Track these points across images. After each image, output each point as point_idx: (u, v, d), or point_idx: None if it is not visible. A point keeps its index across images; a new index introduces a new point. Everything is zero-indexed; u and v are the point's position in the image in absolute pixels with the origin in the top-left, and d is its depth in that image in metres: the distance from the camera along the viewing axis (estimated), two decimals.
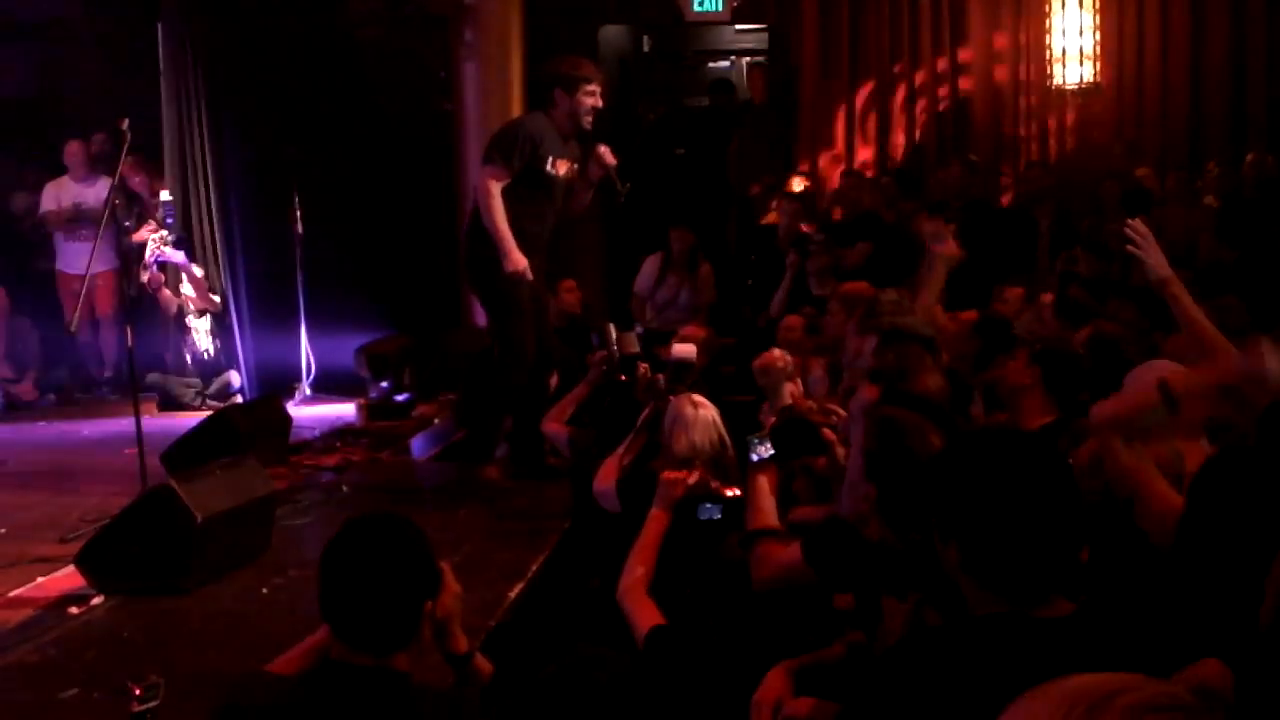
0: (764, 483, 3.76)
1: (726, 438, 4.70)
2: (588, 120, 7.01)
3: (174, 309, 10.67)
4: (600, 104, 7.04)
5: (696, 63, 13.06)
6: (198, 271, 10.63)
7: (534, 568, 5.65)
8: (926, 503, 2.54)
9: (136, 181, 10.84)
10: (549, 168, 6.97)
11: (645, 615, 3.77)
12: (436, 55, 11.23)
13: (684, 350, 6.05)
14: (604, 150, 7.04)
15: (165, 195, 10.85)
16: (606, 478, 5.27)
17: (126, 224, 9.98)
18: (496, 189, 6.81)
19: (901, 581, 3.02)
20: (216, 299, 10.65)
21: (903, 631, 2.95)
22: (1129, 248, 4.08)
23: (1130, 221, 4.20)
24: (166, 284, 10.77)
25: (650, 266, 10.47)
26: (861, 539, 3.29)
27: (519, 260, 6.76)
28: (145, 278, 10.65)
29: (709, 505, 4.16)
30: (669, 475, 4.21)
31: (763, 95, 12.39)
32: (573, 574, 5.61)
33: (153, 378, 10.28)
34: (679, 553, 4.18)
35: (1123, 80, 12.29)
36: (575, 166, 7.14)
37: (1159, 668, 2.37)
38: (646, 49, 12.88)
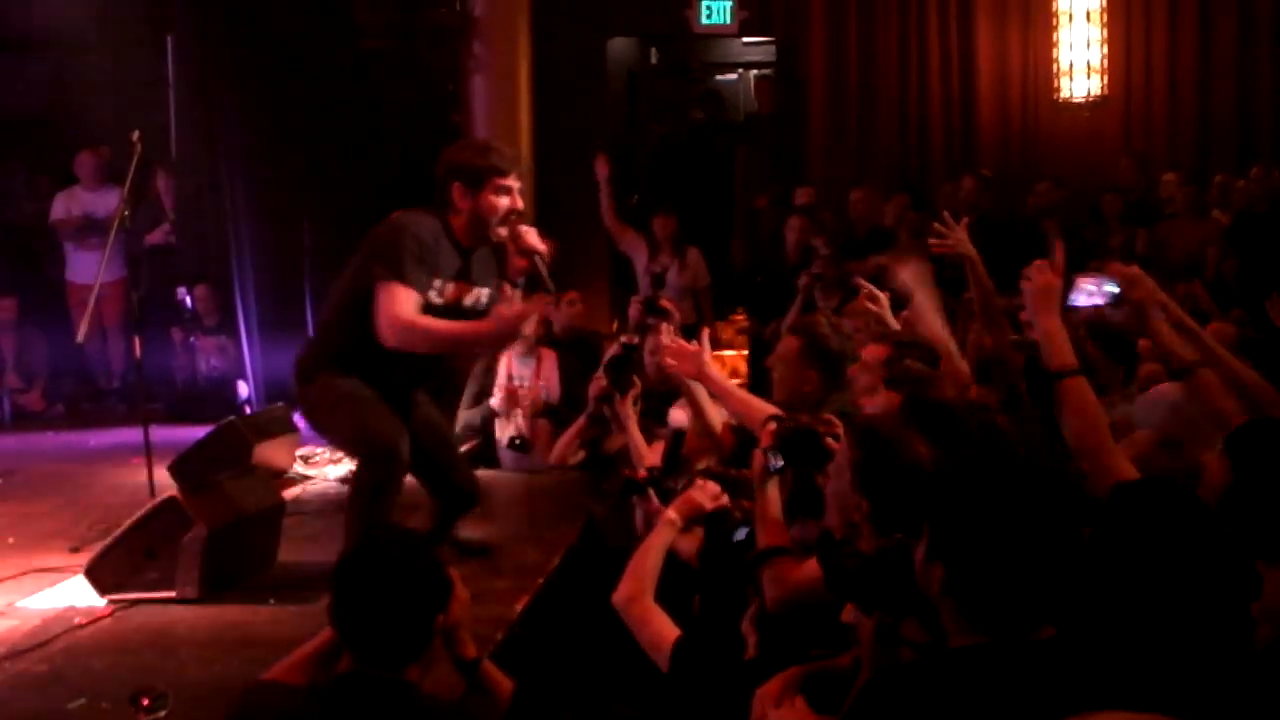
0: (775, 496, 3.72)
1: None
2: (499, 230, 5.15)
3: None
4: (520, 205, 5.19)
5: (704, 75, 13.11)
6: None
7: (541, 580, 5.64)
8: (918, 517, 2.53)
9: (162, 186, 10.90)
10: (431, 294, 5.10)
11: (661, 625, 3.75)
12: (445, 68, 11.25)
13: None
14: (526, 231, 5.18)
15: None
16: None
17: (141, 228, 10.04)
18: (412, 309, 5.00)
19: (872, 598, 2.98)
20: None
21: (871, 649, 2.91)
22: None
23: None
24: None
25: (641, 251, 10.51)
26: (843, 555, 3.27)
27: (504, 323, 5.08)
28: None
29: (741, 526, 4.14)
30: (707, 485, 4.17)
31: (770, 108, 12.42)
32: (582, 586, 5.60)
33: None
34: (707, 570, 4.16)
35: (1130, 93, 12.29)
36: (483, 293, 5.31)
37: (1141, 692, 2.37)
38: (654, 61, 12.93)
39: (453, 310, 5.14)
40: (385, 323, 4.94)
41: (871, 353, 4.64)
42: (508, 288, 5.42)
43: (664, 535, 4.04)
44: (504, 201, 5.12)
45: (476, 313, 5.22)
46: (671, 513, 4.07)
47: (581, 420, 6.40)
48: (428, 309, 5.05)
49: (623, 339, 6.18)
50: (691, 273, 10.38)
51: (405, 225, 5.09)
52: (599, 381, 5.92)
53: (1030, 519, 2.37)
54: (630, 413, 5.66)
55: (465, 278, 5.21)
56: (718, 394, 4.79)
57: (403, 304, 4.94)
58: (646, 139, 12.70)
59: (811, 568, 3.41)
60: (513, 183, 5.16)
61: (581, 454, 6.19)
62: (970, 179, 10.63)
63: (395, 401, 5.21)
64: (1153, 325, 3.68)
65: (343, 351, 5.20)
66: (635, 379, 5.75)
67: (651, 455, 5.30)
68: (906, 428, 3.31)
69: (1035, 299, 3.57)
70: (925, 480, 2.78)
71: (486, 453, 7.99)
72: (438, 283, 5.10)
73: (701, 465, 4.99)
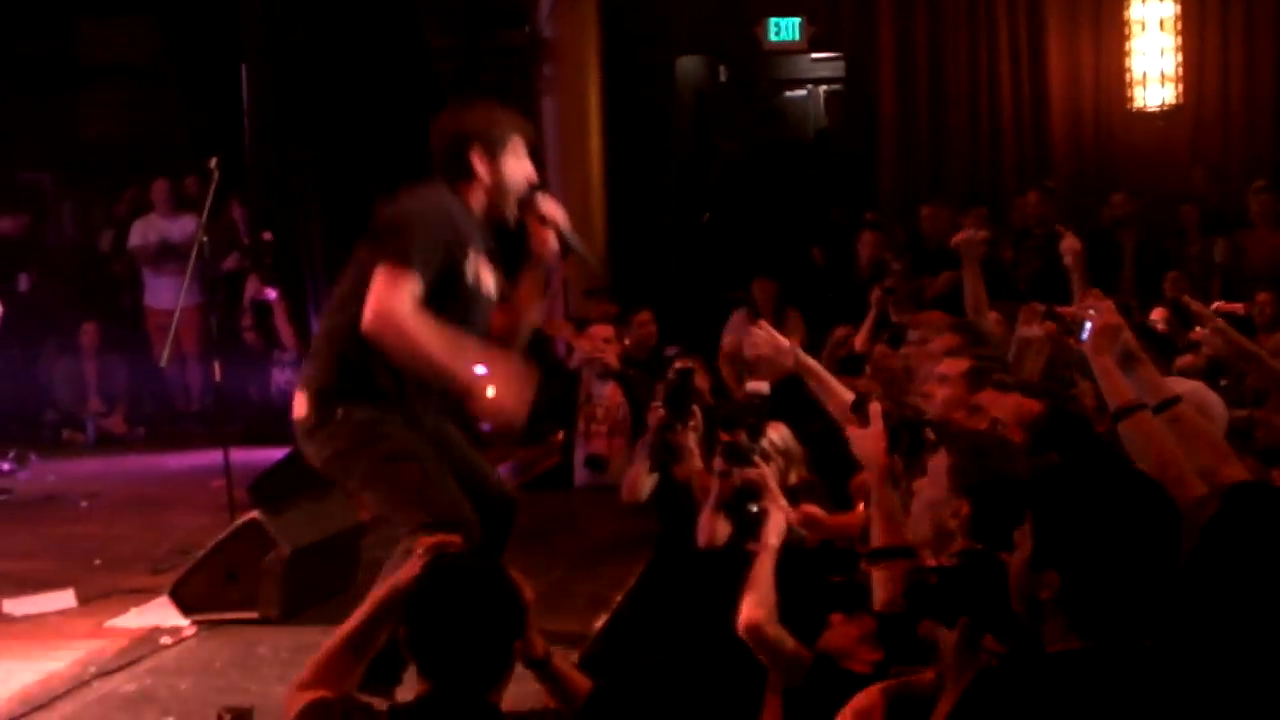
0: (891, 493, 3.67)
1: None
2: (512, 204, 4.38)
3: (261, 347, 10.85)
4: (534, 173, 4.46)
5: (773, 92, 13.11)
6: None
7: (619, 599, 5.65)
8: (1023, 522, 2.52)
9: (236, 214, 11.07)
10: (468, 273, 4.27)
11: (795, 644, 3.77)
12: (516, 90, 11.32)
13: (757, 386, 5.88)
14: (544, 200, 4.45)
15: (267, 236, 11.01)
16: None
17: (218, 254, 10.19)
18: (408, 300, 4.05)
19: (950, 607, 2.97)
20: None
21: (955, 662, 2.90)
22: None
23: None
24: (256, 325, 10.92)
25: (737, 322, 10.42)
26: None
27: (472, 374, 4.07)
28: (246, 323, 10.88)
29: None
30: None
31: (840, 123, 12.41)
32: (659, 605, 5.60)
33: None
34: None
35: (1205, 101, 12.15)
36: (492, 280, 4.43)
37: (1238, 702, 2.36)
38: (723, 79, 12.94)
39: (473, 294, 4.34)
40: (373, 308, 4.05)
41: (953, 366, 4.60)
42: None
43: (770, 560, 4.08)
44: (521, 168, 4.39)
45: (488, 300, 4.41)
46: (772, 539, 4.11)
47: (644, 452, 6.32)
48: (462, 291, 4.26)
49: (677, 365, 6.15)
50: (787, 334, 10.21)
51: (416, 199, 4.32)
52: (657, 412, 5.88)
53: (1146, 527, 2.37)
54: (692, 443, 5.63)
55: (484, 254, 4.38)
56: (813, 381, 4.77)
57: (399, 292, 4.04)
58: (716, 156, 12.71)
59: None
60: (524, 142, 4.45)
61: (652, 481, 6.14)
62: (1035, 192, 10.55)
63: (423, 424, 4.34)
64: (1097, 362, 3.53)
65: (358, 365, 4.21)
66: (695, 407, 5.71)
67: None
68: (1041, 431, 3.31)
69: (1098, 337, 3.52)
70: (1023, 487, 2.76)
71: (563, 472, 8.00)
72: (470, 255, 4.27)
73: (794, 479, 4.98)
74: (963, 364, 4.59)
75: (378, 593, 3.05)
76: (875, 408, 3.73)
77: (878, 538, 3.60)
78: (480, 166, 4.32)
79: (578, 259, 4.71)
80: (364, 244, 4.38)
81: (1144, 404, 3.32)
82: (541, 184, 4.49)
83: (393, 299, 4.03)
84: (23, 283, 11.21)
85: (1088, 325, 3.55)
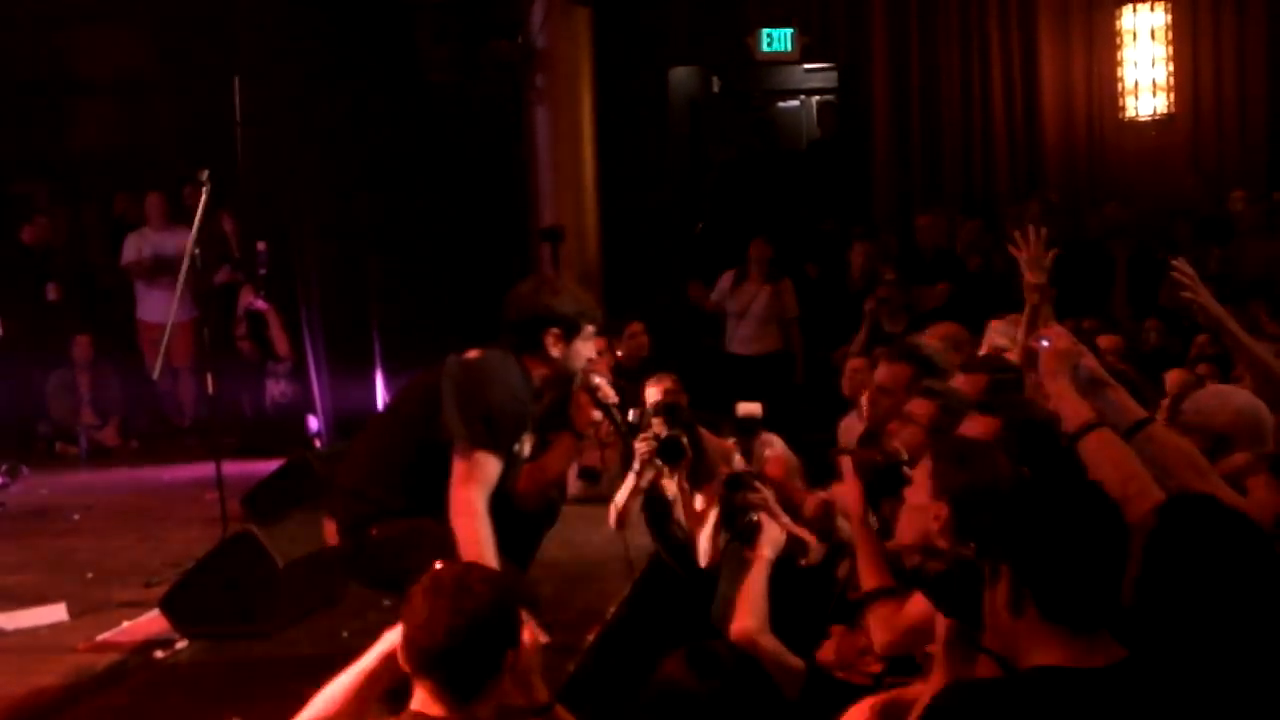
0: (874, 536, 3.70)
1: None
2: (575, 382, 4.78)
3: (255, 357, 10.84)
4: (595, 353, 4.91)
5: (766, 102, 13.12)
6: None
7: (612, 611, 5.64)
8: (992, 530, 2.52)
9: (228, 227, 11.07)
10: (515, 446, 4.63)
11: (789, 656, 3.79)
12: (508, 100, 11.32)
13: (749, 409, 5.86)
14: (602, 384, 4.88)
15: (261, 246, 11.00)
16: None
17: (209, 267, 10.18)
18: (487, 491, 4.38)
19: (950, 604, 2.97)
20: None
21: (947, 654, 2.90)
22: (1181, 294, 4.11)
23: (1174, 262, 4.19)
24: (251, 335, 10.92)
25: (725, 280, 10.49)
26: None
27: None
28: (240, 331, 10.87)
29: None
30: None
31: (833, 133, 12.42)
32: (651, 619, 5.59)
33: None
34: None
35: (1199, 110, 12.16)
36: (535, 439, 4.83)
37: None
38: (716, 90, 12.95)
39: (515, 460, 4.63)
40: (460, 497, 4.29)
41: (966, 383, 4.57)
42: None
43: (764, 571, 4.10)
44: (588, 350, 4.71)
45: (522, 461, 4.73)
46: (766, 550, 4.13)
47: (631, 480, 6.30)
48: (511, 462, 4.55)
49: (666, 400, 6.15)
50: (781, 303, 10.31)
51: (495, 376, 4.50)
52: (647, 444, 5.85)
53: (1091, 543, 2.36)
54: (683, 486, 5.59)
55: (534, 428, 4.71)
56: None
57: (481, 486, 4.32)
58: (709, 167, 12.73)
59: (918, 605, 3.37)
60: (596, 327, 4.77)
61: (639, 500, 6.14)
62: (1036, 204, 10.55)
63: None
64: (1051, 386, 3.56)
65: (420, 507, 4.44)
66: (686, 449, 5.68)
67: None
68: (1004, 447, 3.32)
69: (1050, 361, 3.55)
70: (1001, 494, 2.78)
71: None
72: (524, 435, 4.61)
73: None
74: (978, 381, 4.53)
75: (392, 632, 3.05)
76: (846, 461, 3.79)
77: (866, 582, 3.64)
78: (554, 349, 4.61)
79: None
80: (426, 385, 4.60)
81: (1099, 423, 3.34)
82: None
83: (473, 495, 4.29)
84: (51, 291, 11.25)
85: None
